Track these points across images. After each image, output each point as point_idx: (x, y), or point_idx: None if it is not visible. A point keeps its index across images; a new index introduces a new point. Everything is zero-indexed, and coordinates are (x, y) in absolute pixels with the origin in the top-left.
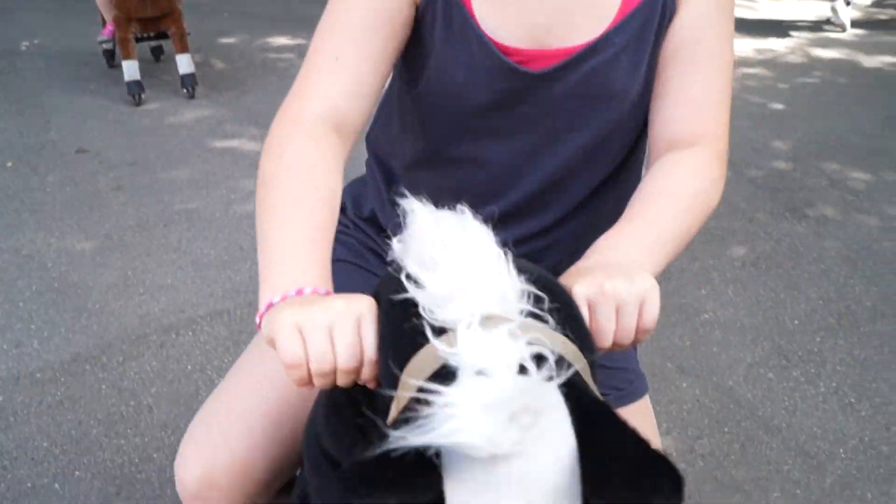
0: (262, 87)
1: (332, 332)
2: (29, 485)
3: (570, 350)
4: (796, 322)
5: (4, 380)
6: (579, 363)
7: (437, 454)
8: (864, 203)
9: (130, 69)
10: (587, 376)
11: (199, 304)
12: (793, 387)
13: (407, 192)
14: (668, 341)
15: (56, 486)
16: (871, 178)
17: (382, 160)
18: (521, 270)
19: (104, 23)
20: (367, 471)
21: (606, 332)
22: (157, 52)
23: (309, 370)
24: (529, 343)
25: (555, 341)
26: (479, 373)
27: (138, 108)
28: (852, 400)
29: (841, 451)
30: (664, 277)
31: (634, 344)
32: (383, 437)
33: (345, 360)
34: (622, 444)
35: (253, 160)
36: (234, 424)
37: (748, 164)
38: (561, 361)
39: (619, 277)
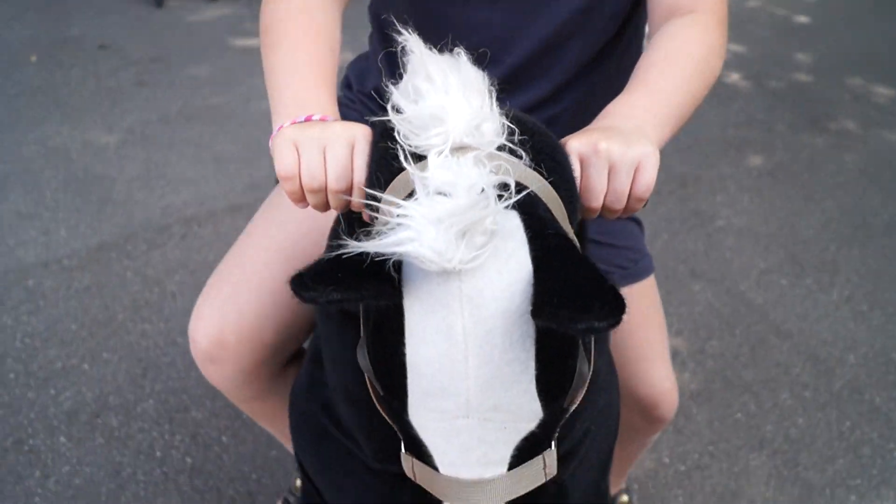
0: None
1: (325, 151)
2: (59, 365)
3: (538, 184)
4: (811, 232)
5: (34, 265)
6: (548, 199)
7: (398, 269)
8: (887, 118)
9: None
10: (560, 216)
11: (220, 197)
12: (805, 294)
13: (405, 30)
14: (681, 245)
15: (85, 366)
16: (895, 93)
17: (384, 33)
18: (515, 120)
19: None
20: (320, 270)
21: (596, 191)
22: None
23: (301, 184)
24: (495, 172)
25: (522, 174)
26: (439, 192)
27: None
28: (864, 309)
29: (851, 356)
30: (679, 183)
31: (628, 212)
32: (343, 246)
33: (334, 178)
34: (574, 273)
35: None
36: (244, 286)
37: (768, 75)
38: (525, 193)
39: (616, 139)
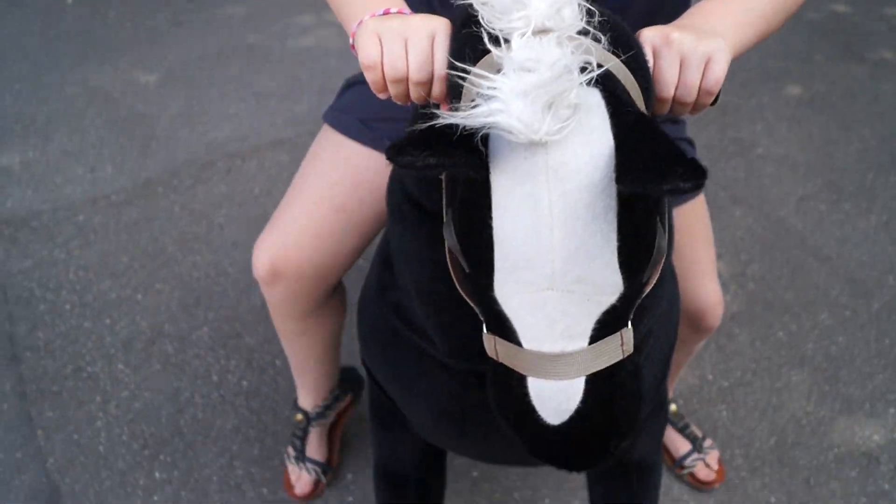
0: None
1: (407, 42)
2: (113, 296)
3: (617, 67)
4: (849, 159)
5: (83, 201)
6: (626, 81)
7: (486, 142)
8: None
9: None
10: (637, 97)
11: (262, 132)
12: (843, 219)
13: None
14: (721, 172)
15: (138, 297)
16: None
17: None
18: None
19: None
20: (415, 138)
21: (668, 82)
22: None
23: (383, 74)
24: (575, 52)
25: (602, 56)
26: (524, 69)
27: None
28: None
29: (890, 279)
30: (720, 112)
31: (698, 108)
32: (435, 116)
33: (416, 69)
34: (655, 145)
35: None
36: (301, 216)
37: (806, 7)
38: (606, 74)
39: (689, 33)
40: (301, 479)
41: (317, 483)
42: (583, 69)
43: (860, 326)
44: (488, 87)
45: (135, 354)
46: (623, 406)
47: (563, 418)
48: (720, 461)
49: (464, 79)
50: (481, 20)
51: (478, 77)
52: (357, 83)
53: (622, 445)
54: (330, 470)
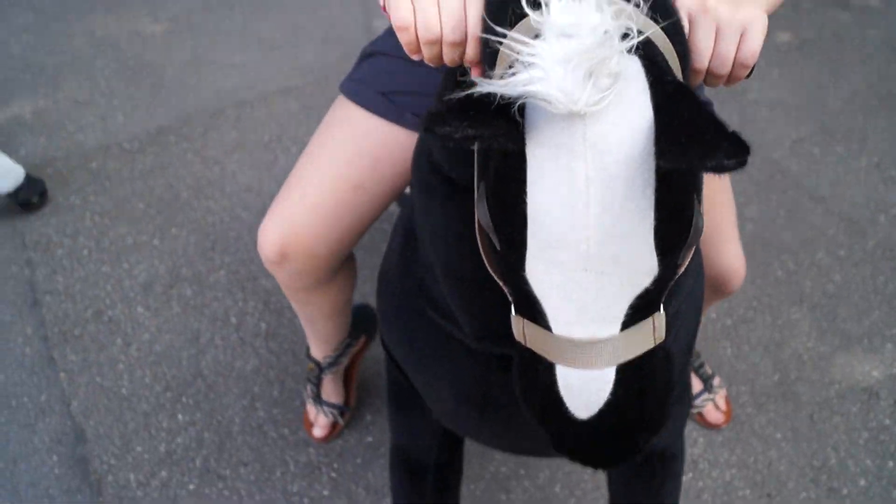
0: None
1: (439, 2)
2: (130, 241)
3: (656, 34)
4: (839, 103)
5: (96, 149)
6: (665, 49)
7: (522, 113)
8: None
9: None
10: (675, 67)
11: (269, 80)
12: (836, 161)
13: None
14: None
15: (155, 241)
16: None
17: None
18: None
19: None
20: (452, 107)
21: (702, 52)
22: None
23: (417, 35)
24: (616, 17)
25: (641, 22)
26: (564, 35)
27: None
28: (893, 173)
29: (882, 217)
30: None
31: (732, 80)
32: (471, 84)
33: (450, 30)
34: (696, 117)
35: None
36: (313, 195)
37: None
38: (645, 40)
39: (726, 1)
40: (318, 421)
41: (334, 425)
42: (623, 36)
43: (855, 264)
44: (528, 54)
45: (154, 297)
46: (654, 398)
47: (592, 412)
48: (727, 401)
49: (500, 43)
50: None
51: (516, 42)
52: (376, 53)
53: (652, 440)
54: (347, 410)
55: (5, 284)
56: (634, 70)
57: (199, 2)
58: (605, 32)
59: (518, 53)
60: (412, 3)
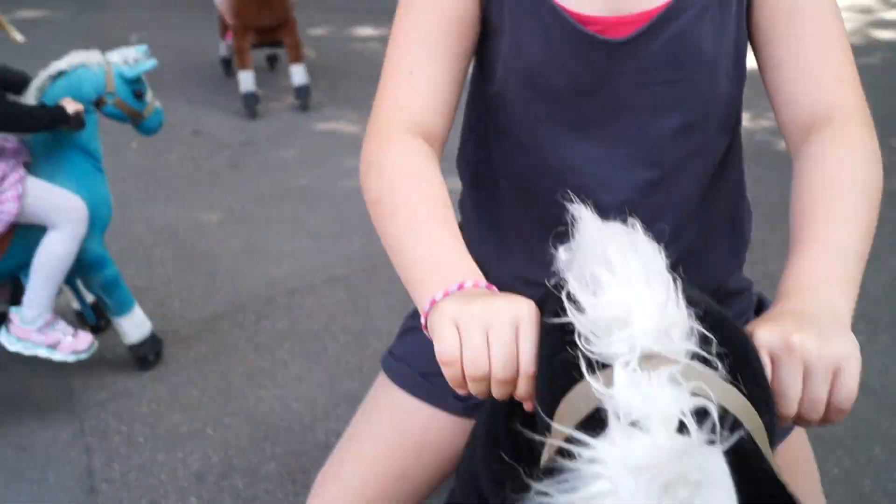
0: (352, 74)
1: (489, 334)
2: (184, 429)
3: (740, 406)
4: (880, 289)
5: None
6: (751, 424)
7: None
8: None
9: (246, 80)
10: (761, 440)
11: (318, 270)
12: (882, 350)
13: (574, 197)
14: None
15: (208, 430)
16: None
17: (478, 178)
18: (691, 302)
19: (224, 31)
20: None
21: (790, 397)
22: (273, 61)
23: (463, 371)
24: (693, 394)
25: (722, 394)
26: (633, 424)
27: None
28: None
29: None
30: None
31: (825, 423)
32: (525, 488)
33: (500, 367)
34: None
35: (352, 140)
36: (356, 486)
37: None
38: (728, 419)
39: (812, 331)
40: None
41: None
42: (700, 411)
43: None
44: (590, 457)
45: (207, 488)
46: None
47: None
48: None
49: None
50: (578, 339)
51: (577, 442)
52: (417, 329)
53: None
54: None
55: (63, 470)
56: (719, 468)
57: (252, 193)
58: (682, 427)
59: (577, 452)
60: (458, 332)
